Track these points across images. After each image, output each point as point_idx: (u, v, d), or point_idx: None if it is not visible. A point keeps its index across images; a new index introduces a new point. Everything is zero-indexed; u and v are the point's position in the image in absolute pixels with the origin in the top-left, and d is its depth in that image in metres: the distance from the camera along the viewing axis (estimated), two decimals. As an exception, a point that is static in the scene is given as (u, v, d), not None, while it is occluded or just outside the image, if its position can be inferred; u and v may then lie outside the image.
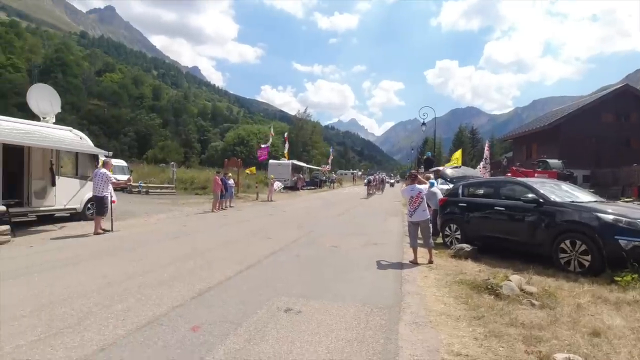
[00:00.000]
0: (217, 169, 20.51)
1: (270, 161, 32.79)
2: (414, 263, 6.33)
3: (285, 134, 35.61)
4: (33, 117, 10.87)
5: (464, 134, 67.40)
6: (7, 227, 7.48)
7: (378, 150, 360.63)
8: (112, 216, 9.04)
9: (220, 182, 14.65)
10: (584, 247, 5.55)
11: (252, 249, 7.33)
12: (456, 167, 11.22)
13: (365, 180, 19.71)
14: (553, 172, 15.51)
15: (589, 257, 5.49)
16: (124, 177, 18.98)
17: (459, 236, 7.60)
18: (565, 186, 7.11)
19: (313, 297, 4.53)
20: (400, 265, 6.29)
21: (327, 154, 47.26)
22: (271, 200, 20.56)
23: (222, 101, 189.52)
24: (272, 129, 33.29)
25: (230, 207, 16.18)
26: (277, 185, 23.88)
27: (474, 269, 5.96)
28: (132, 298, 4.27)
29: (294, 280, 5.29)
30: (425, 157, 13.48)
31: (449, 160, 14.38)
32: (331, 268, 6.11)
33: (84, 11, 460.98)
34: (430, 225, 6.70)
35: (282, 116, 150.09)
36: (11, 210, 8.23)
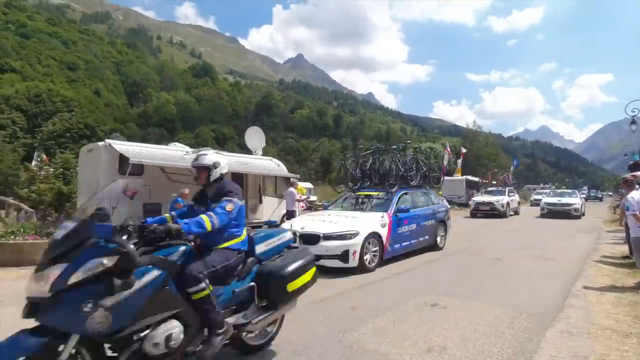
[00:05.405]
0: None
1: (445, 178, 32.16)
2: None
3: (463, 150, 34.32)
4: (249, 151, 14.53)
5: None
6: (235, 232, 10.42)
7: (579, 159, 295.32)
8: (300, 226, 11.19)
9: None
10: None
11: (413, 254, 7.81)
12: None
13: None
14: None
15: None
16: (303, 197, 22.40)
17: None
18: None
19: (461, 297, 4.83)
20: (572, 281, 5.70)
21: (507, 166, 42.46)
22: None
23: (395, 122, 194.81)
24: (447, 146, 33.02)
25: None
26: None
27: (679, 293, 4.90)
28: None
29: (448, 283, 5.62)
30: (632, 162, 10.75)
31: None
32: (488, 276, 6.10)
33: (281, 62, 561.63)
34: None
35: (457, 131, 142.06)
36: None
